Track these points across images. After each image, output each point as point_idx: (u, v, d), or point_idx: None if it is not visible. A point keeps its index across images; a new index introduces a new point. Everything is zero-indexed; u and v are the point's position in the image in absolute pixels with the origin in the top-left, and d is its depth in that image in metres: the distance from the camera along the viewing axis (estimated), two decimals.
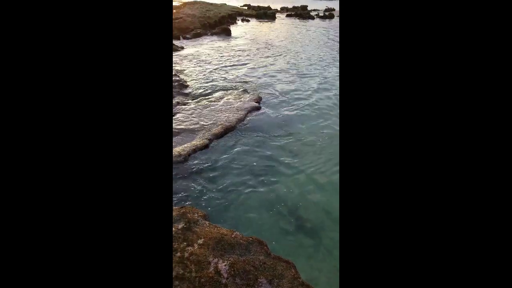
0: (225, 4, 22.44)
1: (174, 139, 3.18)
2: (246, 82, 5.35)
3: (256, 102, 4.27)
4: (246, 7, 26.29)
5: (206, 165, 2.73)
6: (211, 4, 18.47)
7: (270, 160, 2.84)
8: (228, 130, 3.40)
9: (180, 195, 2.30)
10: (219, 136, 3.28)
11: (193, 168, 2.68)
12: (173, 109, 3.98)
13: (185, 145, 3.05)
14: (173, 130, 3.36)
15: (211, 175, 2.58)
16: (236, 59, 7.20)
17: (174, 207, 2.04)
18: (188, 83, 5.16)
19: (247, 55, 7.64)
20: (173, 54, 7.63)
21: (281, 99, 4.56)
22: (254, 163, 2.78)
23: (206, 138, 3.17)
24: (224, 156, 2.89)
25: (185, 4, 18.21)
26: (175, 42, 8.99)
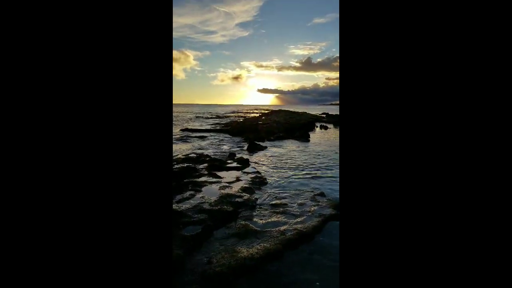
0: (306, 112, 25.71)
1: (247, 240, 3.17)
2: (322, 185, 5.29)
3: (334, 209, 4.02)
4: (324, 115, 29.25)
5: (278, 280, 2.47)
6: (294, 112, 21.56)
7: None
8: (303, 238, 3.17)
9: None
10: (293, 243, 3.06)
11: (264, 278, 2.46)
12: (253, 206, 4.15)
13: (257, 246, 2.96)
14: (249, 227, 3.40)
15: None
16: (313, 162, 7.50)
17: None
18: (267, 180, 5.52)
19: (323, 159, 7.88)
20: (257, 153, 8.68)
21: None
22: None
23: (279, 243, 3.01)
24: (298, 272, 2.59)
25: (272, 111, 21.94)
26: (261, 143, 10.36)
